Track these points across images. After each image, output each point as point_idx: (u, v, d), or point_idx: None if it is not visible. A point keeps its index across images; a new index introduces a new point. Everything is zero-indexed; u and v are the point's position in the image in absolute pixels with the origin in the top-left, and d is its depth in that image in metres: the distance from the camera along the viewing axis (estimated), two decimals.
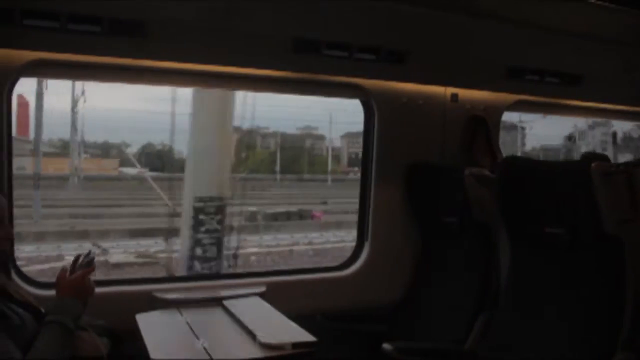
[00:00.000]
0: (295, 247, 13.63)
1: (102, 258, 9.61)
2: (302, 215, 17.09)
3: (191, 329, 2.86)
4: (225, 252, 7.23)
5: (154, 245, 12.14)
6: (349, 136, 28.24)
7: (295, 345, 2.58)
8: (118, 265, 10.32)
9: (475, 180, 3.40)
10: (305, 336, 2.70)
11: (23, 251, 9.78)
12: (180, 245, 6.65)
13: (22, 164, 11.38)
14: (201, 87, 3.59)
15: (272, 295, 3.44)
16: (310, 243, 14.38)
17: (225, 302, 3.23)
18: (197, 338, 2.70)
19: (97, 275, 2.69)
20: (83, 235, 12.20)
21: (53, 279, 2.46)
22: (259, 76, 3.52)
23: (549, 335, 2.75)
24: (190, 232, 6.31)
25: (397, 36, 3.59)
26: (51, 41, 2.93)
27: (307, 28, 3.37)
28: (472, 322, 3.30)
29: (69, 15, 2.87)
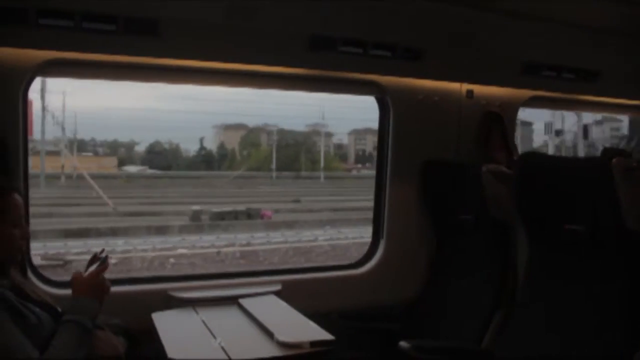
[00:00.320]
0: (225, 249, 13.27)
1: None
2: (250, 215, 16.91)
3: (207, 327, 2.85)
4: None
5: (82, 247, 12.28)
6: (355, 133, 28.33)
7: (314, 343, 2.57)
8: None
9: (492, 176, 3.37)
10: (323, 334, 2.69)
11: None
12: None
13: None
14: (216, 86, 3.57)
15: (287, 294, 3.43)
16: (248, 244, 14.09)
17: (241, 301, 3.23)
18: (214, 337, 2.70)
19: None
20: None
21: None
22: (274, 73, 3.52)
23: (568, 333, 2.72)
24: None
25: (412, 33, 3.57)
26: (66, 40, 2.94)
27: (323, 25, 3.36)
28: (489, 320, 3.28)
29: (84, 14, 2.87)
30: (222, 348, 2.55)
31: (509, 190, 3.12)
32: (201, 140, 26.04)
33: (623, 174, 2.54)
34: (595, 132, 22.40)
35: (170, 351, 2.50)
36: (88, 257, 2.56)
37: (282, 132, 24.29)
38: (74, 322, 2.25)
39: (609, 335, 2.59)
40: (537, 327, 2.85)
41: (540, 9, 3.51)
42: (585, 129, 18.12)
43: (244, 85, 3.69)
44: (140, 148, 27.39)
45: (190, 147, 26.71)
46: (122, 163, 25.67)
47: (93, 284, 2.38)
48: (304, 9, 3.27)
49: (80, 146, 25.00)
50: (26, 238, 2.42)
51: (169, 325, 2.89)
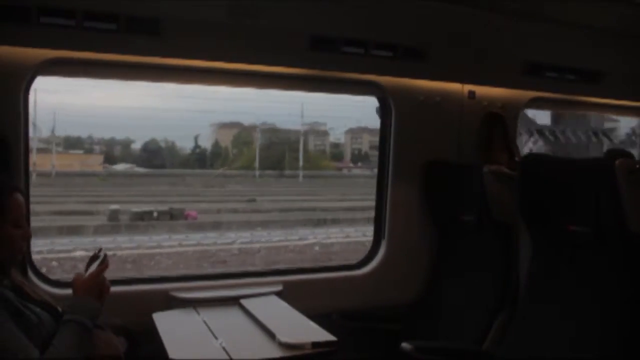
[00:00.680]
0: (122, 252, 12.73)
1: None
2: (172, 215, 16.30)
3: (209, 328, 2.85)
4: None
5: None
6: (351, 132, 28.33)
7: (315, 344, 2.57)
8: None
9: (494, 177, 3.37)
10: (325, 335, 2.69)
11: None
12: None
13: None
14: (217, 85, 3.56)
15: (288, 294, 3.44)
16: (159, 246, 13.62)
17: (242, 301, 3.23)
18: (215, 337, 2.70)
19: None
20: None
21: None
22: (275, 73, 3.51)
23: (570, 334, 2.71)
24: None
25: (414, 33, 3.57)
26: (67, 39, 2.93)
27: (324, 25, 3.36)
28: (491, 321, 3.28)
29: (85, 13, 2.86)
30: (224, 349, 2.55)
31: (511, 191, 3.12)
32: (196, 138, 26.03)
33: (626, 176, 2.53)
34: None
35: (171, 351, 2.50)
36: None
37: (273, 131, 24.19)
38: (75, 321, 2.23)
39: (611, 336, 2.58)
40: (539, 329, 2.84)
41: (542, 10, 3.51)
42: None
43: (245, 85, 3.68)
44: (137, 146, 27.46)
45: (186, 145, 26.72)
46: (112, 161, 25.69)
47: (94, 284, 2.36)
48: (305, 9, 3.27)
49: (76, 144, 25.08)
50: (27, 238, 2.40)
51: (170, 326, 2.88)
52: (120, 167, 24.85)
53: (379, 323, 3.68)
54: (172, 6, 3.01)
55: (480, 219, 3.50)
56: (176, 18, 3.04)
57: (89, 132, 25.48)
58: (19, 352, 2.05)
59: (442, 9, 3.42)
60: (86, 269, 2.44)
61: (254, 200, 18.93)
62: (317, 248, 13.66)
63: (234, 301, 3.25)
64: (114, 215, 16.02)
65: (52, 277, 3.25)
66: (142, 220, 15.82)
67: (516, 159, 3.77)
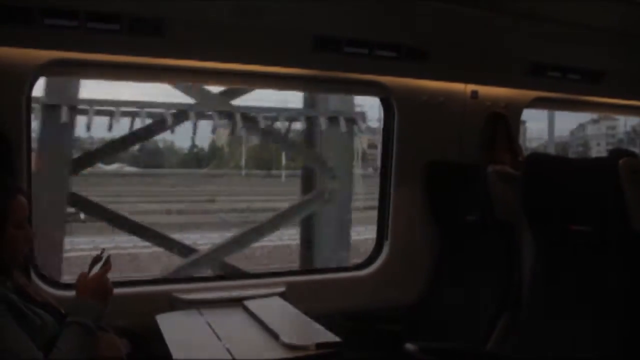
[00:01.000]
0: None
1: None
2: None
3: (212, 329, 2.84)
4: None
5: None
6: None
7: (319, 345, 2.56)
8: None
9: (498, 177, 3.36)
10: (329, 336, 2.67)
11: None
12: None
13: None
14: (219, 86, 3.56)
15: (291, 295, 3.43)
16: None
17: (246, 302, 3.21)
18: (219, 339, 2.69)
19: None
20: None
21: None
22: (279, 74, 3.51)
23: (574, 336, 2.70)
24: None
25: (417, 33, 3.57)
26: (71, 40, 2.93)
27: (328, 25, 3.36)
28: (494, 322, 3.27)
29: (88, 14, 2.86)
30: (228, 350, 2.54)
31: (515, 191, 3.11)
32: (193, 137, 25.98)
33: (630, 175, 2.52)
34: (590, 130, 22.42)
35: (175, 353, 2.49)
36: None
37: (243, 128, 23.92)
38: (78, 323, 2.22)
39: (615, 337, 2.57)
40: (543, 329, 2.83)
41: (546, 10, 3.49)
42: None
43: (247, 85, 3.69)
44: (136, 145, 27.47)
45: (186, 145, 26.72)
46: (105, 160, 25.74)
47: (97, 286, 2.36)
48: (308, 10, 3.26)
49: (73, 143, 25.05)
50: (30, 240, 2.40)
51: (174, 327, 2.87)
52: (110, 167, 24.90)
53: (382, 324, 3.66)
54: (176, 7, 3.00)
55: (484, 219, 3.50)
56: (179, 18, 3.03)
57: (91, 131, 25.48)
58: (22, 353, 2.04)
59: (445, 9, 3.41)
60: (89, 271, 2.43)
61: (213, 201, 18.76)
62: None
63: (237, 302, 3.24)
64: None
65: None
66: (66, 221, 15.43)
67: (519, 158, 3.76)
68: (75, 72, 3.18)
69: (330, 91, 3.97)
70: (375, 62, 3.58)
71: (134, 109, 8.36)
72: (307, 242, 9.34)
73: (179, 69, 3.27)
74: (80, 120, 8.59)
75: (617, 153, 3.77)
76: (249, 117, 8.86)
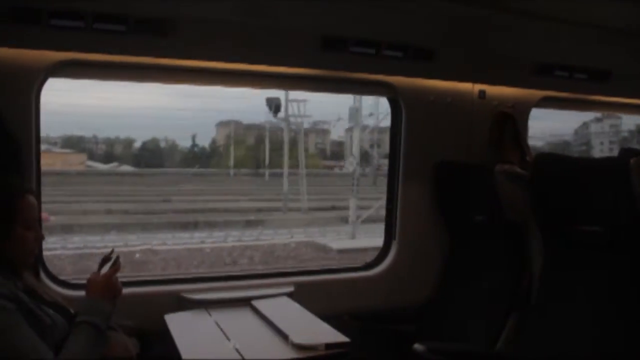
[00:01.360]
0: None
1: None
2: None
3: (221, 329, 2.84)
4: None
5: None
6: (352, 130, 28.23)
7: (329, 345, 2.55)
8: None
9: (506, 177, 3.35)
10: (338, 336, 2.67)
11: None
12: None
13: None
14: (227, 86, 3.57)
15: (300, 295, 3.43)
16: None
17: (254, 302, 3.22)
18: (228, 339, 2.69)
19: None
20: None
21: None
22: (286, 74, 3.51)
23: (583, 336, 2.69)
24: None
25: (424, 33, 3.56)
26: (78, 41, 2.93)
27: (335, 25, 3.35)
28: (503, 323, 3.26)
29: (95, 15, 2.86)
30: (237, 350, 2.54)
31: (523, 191, 3.10)
32: (193, 137, 26.03)
33: None
34: (594, 128, 22.42)
35: (184, 353, 2.50)
36: None
37: (231, 126, 23.90)
38: (88, 323, 2.23)
39: (625, 338, 2.56)
40: (552, 330, 2.83)
41: (553, 9, 3.49)
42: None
43: (255, 86, 3.68)
44: (138, 145, 27.80)
45: (188, 145, 26.87)
46: (103, 159, 26.04)
47: (107, 286, 2.36)
48: (316, 10, 3.25)
49: (77, 143, 25.36)
50: (39, 240, 2.40)
51: (182, 327, 2.88)
52: (103, 166, 25.08)
53: (391, 324, 3.66)
54: (182, 7, 3.00)
55: (492, 219, 3.49)
56: (186, 19, 3.03)
57: (94, 131, 25.79)
58: (33, 353, 2.05)
59: (453, 9, 3.40)
60: (98, 271, 2.44)
61: (169, 201, 18.71)
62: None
63: (245, 302, 3.24)
64: None
65: None
66: None
67: (527, 158, 3.75)
68: (82, 73, 3.17)
69: (338, 91, 3.96)
70: (383, 62, 3.57)
71: None
72: None
73: (186, 69, 3.27)
74: None
75: (627, 152, 3.75)
76: None
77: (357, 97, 15.86)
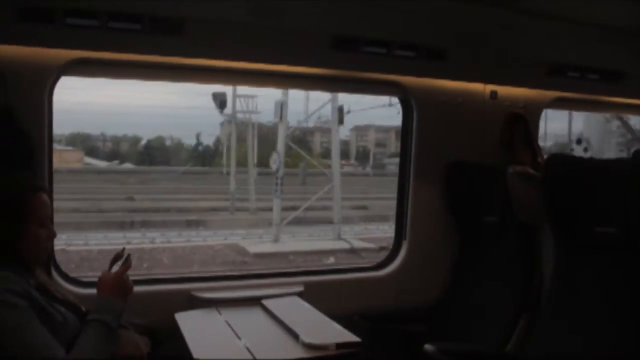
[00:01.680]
0: None
1: None
2: None
3: (231, 328, 2.85)
4: None
5: None
6: (357, 129, 28.18)
7: (340, 345, 2.55)
8: None
9: (519, 178, 3.34)
10: (349, 336, 2.67)
11: None
12: None
13: None
14: (239, 85, 3.57)
15: (310, 295, 3.43)
16: None
17: (264, 302, 3.22)
18: (239, 337, 2.70)
19: None
20: None
21: None
22: (297, 73, 3.51)
23: (595, 337, 2.68)
24: None
25: (436, 33, 3.55)
26: (92, 39, 2.95)
27: (346, 25, 3.35)
28: (514, 324, 3.25)
29: (110, 14, 2.88)
30: (248, 349, 2.54)
31: (535, 192, 3.09)
32: (197, 136, 26.11)
33: None
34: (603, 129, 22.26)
35: (195, 351, 2.50)
36: None
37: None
38: (99, 321, 2.24)
39: (637, 339, 2.55)
40: (564, 332, 2.81)
41: (565, 9, 3.48)
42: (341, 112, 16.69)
43: (267, 85, 3.69)
44: (142, 143, 28.10)
45: (193, 143, 27.02)
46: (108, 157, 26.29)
47: (118, 284, 2.37)
48: (327, 9, 3.26)
49: (83, 140, 26.14)
50: (52, 237, 2.41)
51: (193, 326, 2.88)
52: (102, 164, 25.26)
53: (401, 324, 3.66)
54: (196, 6, 3.01)
55: (504, 220, 3.48)
56: (199, 18, 3.04)
57: (103, 129, 26.03)
58: (45, 350, 2.06)
59: (464, 9, 3.40)
60: (109, 269, 2.45)
61: (132, 199, 18.66)
62: None
63: (256, 301, 3.25)
64: None
65: None
66: None
67: (539, 159, 3.73)
68: (96, 71, 3.19)
69: (349, 91, 3.95)
70: (394, 62, 3.57)
71: None
72: None
73: (199, 68, 3.28)
74: None
75: None
76: None
77: (284, 90, 14.62)
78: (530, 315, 3.19)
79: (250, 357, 2.47)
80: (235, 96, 17.07)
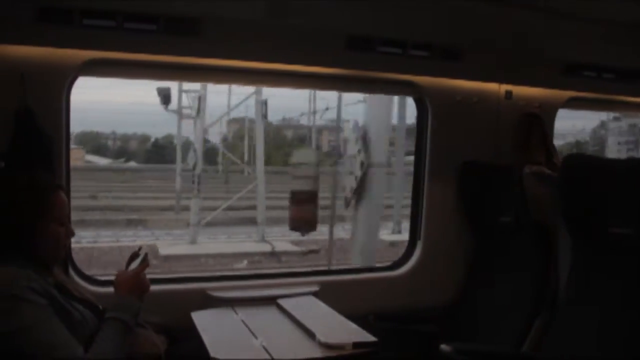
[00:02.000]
0: None
1: None
2: None
3: (247, 327, 2.86)
4: None
5: None
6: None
7: (356, 345, 2.55)
8: None
9: (535, 178, 3.32)
10: (365, 336, 2.68)
11: None
12: None
13: None
14: (254, 85, 3.59)
15: (325, 294, 3.43)
16: None
17: (280, 301, 3.22)
18: (255, 337, 2.70)
19: None
20: None
21: None
22: (311, 73, 3.51)
23: (611, 338, 2.67)
24: None
25: (451, 33, 3.54)
26: (108, 40, 2.96)
27: (361, 25, 3.35)
28: (529, 324, 3.23)
29: (126, 14, 2.90)
30: (264, 348, 2.55)
31: (551, 192, 3.08)
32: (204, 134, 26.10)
33: None
34: (612, 127, 22.22)
35: (213, 350, 2.50)
36: None
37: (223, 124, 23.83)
38: (117, 319, 2.26)
39: None
40: (580, 332, 2.80)
41: (580, 8, 3.45)
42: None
43: (282, 85, 3.69)
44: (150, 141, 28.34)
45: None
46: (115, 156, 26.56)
47: (135, 282, 2.39)
48: (342, 9, 3.25)
49: (92, 139, 26.55)
50: (70, 236, 2.43)
51: (209, 325, 2.89)
52: (103, 161, 25.45)
53: (415, 325, 3.64)
54: (211, 7, 3.02)
55: (519, 220, 3.46)
56: (215, 18, 3.05)
57: (114, 128, 26.27)
58: (64, 348, 2.08)
59: (479, 8, 3.38)
60: (126, 267, 2.47)
61: (95, 197, 18.58)
62: None
63: (271, 301, 3.25)
64: None
65: None
66: None
67: (554, 159, 3.72)
68: (112, 71, 3.21)
69: (363, 91, 3.97)
70: (409, 62, 3.57)
71: None
72: None
73: (214, 68, 3.29)
74: None
75: None
76: None
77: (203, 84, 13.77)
78: (545, 317, 3.17)
79: (268, 356, 2.47)
80: (180, 91, 16.07)
